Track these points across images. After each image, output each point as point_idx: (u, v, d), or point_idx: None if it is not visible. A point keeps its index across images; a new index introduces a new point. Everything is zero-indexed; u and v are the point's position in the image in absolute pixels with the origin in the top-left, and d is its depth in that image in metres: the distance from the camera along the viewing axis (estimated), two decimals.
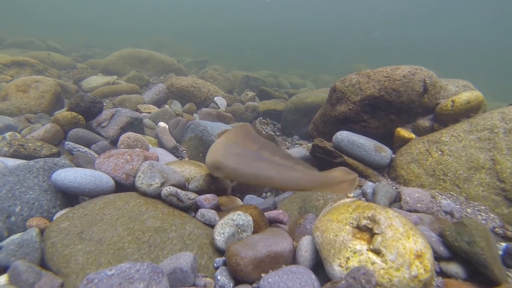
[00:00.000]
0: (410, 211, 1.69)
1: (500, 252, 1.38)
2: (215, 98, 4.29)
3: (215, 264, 1.29)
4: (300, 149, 3.10)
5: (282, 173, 1.40)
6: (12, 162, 1.77)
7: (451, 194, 1.87)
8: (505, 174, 1.76)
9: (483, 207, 1.74)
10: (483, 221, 1.65)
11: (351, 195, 1.93)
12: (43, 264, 1.23)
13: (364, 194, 1.91)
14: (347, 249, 1.12)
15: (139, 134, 2.36)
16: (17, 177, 1.52)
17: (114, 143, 2.41)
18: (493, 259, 1.20)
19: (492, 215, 1.70)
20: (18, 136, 2.31)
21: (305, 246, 1.31)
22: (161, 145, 2.61)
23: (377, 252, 1.07)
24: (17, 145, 1.92)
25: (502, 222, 1.66)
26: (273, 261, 1.22)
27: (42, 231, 1.34)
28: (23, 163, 1.61)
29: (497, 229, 1.60)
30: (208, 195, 1.71)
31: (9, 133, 2.34)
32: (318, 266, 1.25)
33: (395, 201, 1.81)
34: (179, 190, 1.59)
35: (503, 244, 1.45)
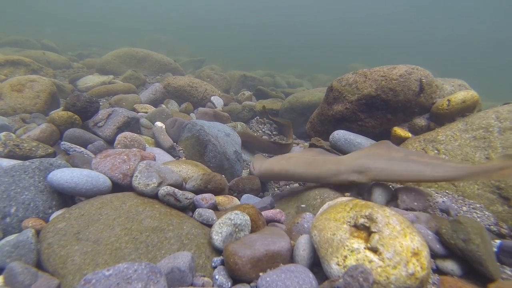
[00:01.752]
0: (406, 209, 1.70)
1: (495, 249, 1.40)
2: (212, 98, 4.28)
3: (213, 264, 1.29)
4: (297, 148, 3.11)
5: (434, 168, 1.59)
6: (7, 162, 1.75)
7: (447, 193, 1.89)
8: None
9: (478, 205, 1.76)
10: (478, 219, 1.67)
11: (348, 194, 1.94)
12: (39, 265, 1.22)
13: (361, 193, 1.92)
14: (344, 248, 1.13)
15: (136, 134, 2.34)
16: (12, 177, 1.50)
17: (110, 143, 2.40)
18: (488, 256, 1.21)
19: (487, 213, 1.72)
20: (13, 136, 2.29)
21: (302, 245, 1.31)
22: (158, 144, 2.59)
23: (374, 250, 1.08)
24: (12, 145, 1.89)
25: (497, 219, 1.68)
26: (271, 260, 1.22)
27: (38, 232, 1.33)
28: (18, 163, 1.59)
29: (492, 226, 1.62)
30: (205, 195, 1.71)
31: (3, 133, 2.31)
32: (316, 265, 1.26)
33: (392, 200, 1.82)
34: (177, 189, 1.58)
35: (497, 241, 1.47)
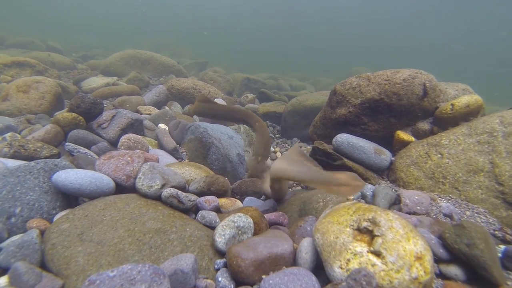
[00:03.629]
0: (409, 213, 1.69)
1: (499, 255, 1.39)
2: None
3: (215, 266, 1.29)
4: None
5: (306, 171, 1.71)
6: (12, 163, 1.77)
7: (450, 197, 1.88)
8: (503, 177, 1.77)
9: (482, 210, 1.75)
10: (482, 224, 1.66)
11: (351, 197, 1.94)
12: (44, 265, 1.23)
13: (363, 197, 1.92)
14: (347, 251, 1.13)
15: (139, 136, 2.36)
16: (17, 178, 1.52)
17: (114, 144, 2.42)
18: (493, 261, 1.20)
19: (491, 217, 1.70)
20: (18, 137, 2.32)
21: (305, 248, 1.31)
22: (161, 146, 2.61)
23: (377, 254, 1.08)
24: (17, 146, 1.91)
25: (501, 224, 1.67)
26: (274, 263, 1.22)
27: (42, 233, 1.34)
28: (24, 164, 1.61)
29: (496, 232, 1.61)
30: (208, 197, 1.72)
31: (9, 133, 2.34)
32: (319, 268, 1.26)
33: (395, 204, 1.82)
34: (180, 191, 1.59)
35: (502, 247, 1.46)
